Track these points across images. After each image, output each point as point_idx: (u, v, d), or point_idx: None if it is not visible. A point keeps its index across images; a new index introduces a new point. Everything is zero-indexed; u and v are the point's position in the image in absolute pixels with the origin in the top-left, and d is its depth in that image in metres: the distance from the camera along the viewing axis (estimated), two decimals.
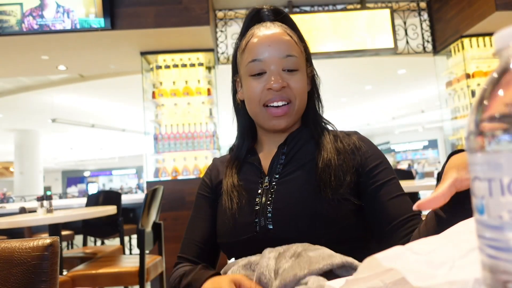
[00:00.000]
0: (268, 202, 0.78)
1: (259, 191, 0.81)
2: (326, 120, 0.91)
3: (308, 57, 0.88)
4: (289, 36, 0.82)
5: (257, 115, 0.83)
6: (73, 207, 4.42)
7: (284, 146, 0.85)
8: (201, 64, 4.20)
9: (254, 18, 0.88)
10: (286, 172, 0.81)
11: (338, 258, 0.57)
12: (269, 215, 0.76)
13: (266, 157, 0.87)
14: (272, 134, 0.87)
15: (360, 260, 0.66)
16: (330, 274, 0.56)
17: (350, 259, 0.57)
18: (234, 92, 0.92)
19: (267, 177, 0.82)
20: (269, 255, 0.64)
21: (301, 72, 0.82)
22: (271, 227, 0.75)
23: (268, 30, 0.82)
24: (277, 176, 0.82)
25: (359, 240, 0.78)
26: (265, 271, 0.60)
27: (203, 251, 0.87)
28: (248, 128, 0.91)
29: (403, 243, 0.65)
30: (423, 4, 4.58)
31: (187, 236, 0.90)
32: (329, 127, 0.90)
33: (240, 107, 0.90)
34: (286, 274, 0.56)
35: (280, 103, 0.79)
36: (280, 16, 0.87)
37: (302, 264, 0.57)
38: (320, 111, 0.90)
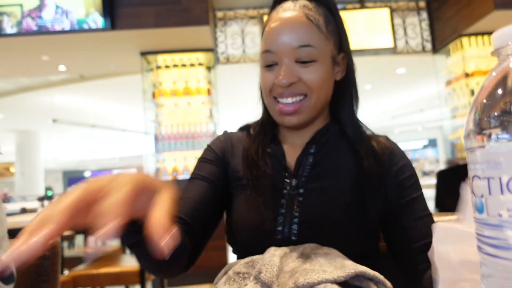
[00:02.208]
0: (296, 214, 0.70)
1: (284, 192, 0.72)
2: (361, 122, 0.80)
3: (342, 40, 0.76)
4: (309, 19, 0.70)
5: (269, 108, 0.76)
6: None
7: (312, 145, 0.75)
8: (201, 64, 4.20)
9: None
10: (315, 177, 0.72)
11: (351, 269, 0.55)
12: (294, 226, 0.69)
13: (290, 151, 0.77)
14: (294, 130, 0.78)
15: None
16: (342, 282, 0.55)
17: (363, 268, 0.55)
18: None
19: (294, 179, 0.73)
20: (274, 252, 0.61)
21: (320, 63, 0.70)
22: (294, 238, 0.68)
23: (285, 13, 0.71)
24: (304, 179, 0.73)
25: (377, 257, 0.74)
26: (267, 265, 0.57)
27: (197, 212, 0.73)
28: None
29: (423, 269, 0.65)
30: (422, 4, 4.57)
31: (181, 196, 0.76)
32: (361, 129, 0.79)
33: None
34: (299, 276, 0.53)
35: (290, 100, 0.71)
36: None
37: (316, 270, 0.55)
38: (355, 106, 0.79)
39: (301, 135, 0.78)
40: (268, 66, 0.73)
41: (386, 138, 0.80)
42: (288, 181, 0.73)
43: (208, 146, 0.84)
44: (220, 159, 0.81)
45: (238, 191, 0.77)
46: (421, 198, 0.73)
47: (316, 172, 0.73)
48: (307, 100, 0.71)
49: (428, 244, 0.65)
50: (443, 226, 0.37)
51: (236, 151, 0.81)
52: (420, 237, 0.68)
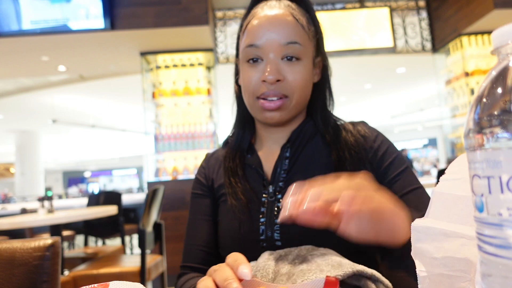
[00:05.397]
0: (276, 220, 0.70)
1: (263, 200, 0.73)
2: (335, 117, 0.81)
3: (319, 43, 0.77)
4: (294, 18, 0.71)
5: (251, 107, 0.75)
6: (74, 208, 4.42)
7: (287, 148, 0.76)
8: (200, 64, 4.21)
9: None
10: (290, 180, 0.73)
11: (349, 268, 0.55)
12: (276, 233, 0.69)
13: (267, 158, 0.79)
14: (272, 129, 0.79)
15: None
16: (340, 282, 0.55)
17: (361, 267, 0.55)
18: (236, 75, 0.83)
19: (270, 186, 0.74)
20: (269, 256, 0.60)
21: (304, 62, 0.72)
22: (280, 244, 0.69)
23: (271, 10, 0.72)
24: (281, 184, 0.73)
25: (373, 251, 0.72)
26: (261, 270, 0.56)
27: (209, 255, 0.77)
28: (248, 118, 0.81)
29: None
30: (421, 3, 4.57)
31: (188, 243, 0.80)
32: (338, 122, 0.81)
33: (240, 94, 0.81)
34: (296, 278, 0.52)
35: (274, 98, 0.71)
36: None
37: (313, 270, 0.55)
38: (330, 107, 0.81)
39: (277, 136, 0.79)
40: (252, 61, 0.72)
41: (362, 122, 0.81)
42: (265, 188, 0.74)
43: (196, 178, 0.87)
44: (208, 187, 0.83)
45: (222, 203, 0.79)
46: (407, 172, 0.71)
47: (291, 176, 0.74)
48: (287, 101, 0.72)
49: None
50: (420, 224, 0.37)
51: (218, 169, 0.83)
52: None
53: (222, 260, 0.75)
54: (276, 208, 0.71)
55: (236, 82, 0.83)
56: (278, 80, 0.70)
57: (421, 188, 0.71)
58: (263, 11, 0.72)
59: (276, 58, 0.70)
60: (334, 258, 0.57)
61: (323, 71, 0.79)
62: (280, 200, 0.72)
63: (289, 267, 0.57)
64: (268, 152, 0.80)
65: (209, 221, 0.80)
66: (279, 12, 0.71)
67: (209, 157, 0.88)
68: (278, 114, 0.72)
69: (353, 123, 0.80)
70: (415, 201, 0.68)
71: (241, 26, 0.78)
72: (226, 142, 0.88)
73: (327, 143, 0.76)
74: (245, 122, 0.82)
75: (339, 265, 0.55)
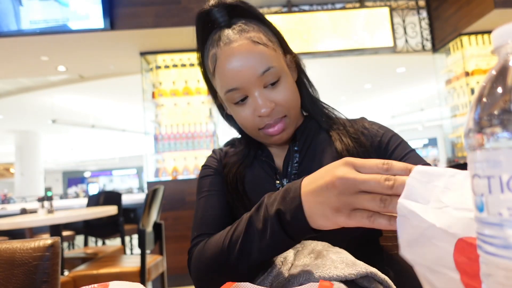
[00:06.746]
0: None
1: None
2: (324, 104, 0.84)
3: (282, 44, 0.76)
4: (258, 43, 0.69)
5: (256, 137, 0.78)
6: (74, 208, 4.42)
7: (295, 143, 0.79)
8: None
9: (207, 24, 0.74)
10: (303, 172, 0.75)
11: (363, 268, 0.55)
12: None
13: (278, 154, 0.81)
14: None
15: (370, 257, 0.64)
16: (350, 282, 0.55)
17: (374, 270, 0.55)
18: (219, 107, 0.84)
19: (285, 179, 0.76)
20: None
21: (283, 77, 0.72)
22: None
23: (231, 46, 0.69)
24: (293, 177, 0.76)
25: (375, 238, 0.75)
26: (282, 257, 0.58)
27: (226, 225, 0.75)
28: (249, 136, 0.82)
29: None
30: (421, 3, 4.57)
31: (202, 214, 0.76)
32: (333, 114, 0.84)
33: (232, 119, 0.83)
34: (311, 269, 0.54)
35: (275, 124, 0.73)
36: (235, 11, 0.73)
37: (328, 265, 0.55)
38: (314, 92, 0.83)
39: None
40: (240, 101, 0.72)
41: (363, 118, 0.84)
42: (278, 182, 0.76)
43: (205, 165, 0.86)
44: (219, 170, 0.83)
45: (235, 199, 0.79)
46: (412, 153, 0.73)
47: (303, 168, 0.76)
48: (288, 118, 0.74)
49: None
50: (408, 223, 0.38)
51: (229, 161, 0.84)
52: None
53: None
54: None
55: (220, 109, 0.85)
56: (272, 110, 0.71)
57: (430, 165, 0.72)
58: (223, 51, 0.70)
59: (259, 90, 0.70)
60: (349, 257, 0.58)
61: (298, 67, 0.80)
62: None
63: (305, 260, 0.58)
64: (278, 149, 0.82)
65: (224, 196, 0.79)
66: (241, 44, 0.69)
67: (217, 151, 0.89)
68: (285, 134, 0.75)
69: (353, 119, 0.83)
70: None
71: (204, 65, 0.77)
72: (232, 143, 0.90)
73: (330, 135, 0.79)
74: (249, 141, 0.83)
75: (353, 264, 0.55)
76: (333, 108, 0.84)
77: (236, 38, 0.69)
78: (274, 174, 0.78)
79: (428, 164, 0.70)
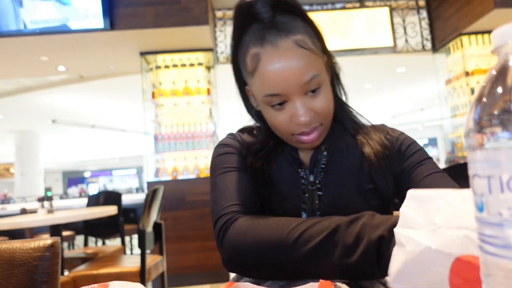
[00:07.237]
0: (317, 207, 0.73)
1: (303, 187, 0.75)
2: (351, 108, 0.83)
3: (322, 44, 0.72)
4: (303, 48, 0.66)
5: (287, 140, 0.76)
6: (74, 208, 4.42)
7: (324, 140, 0.77)
8: (200, 64, 4.20)
9: (248, 16, 0.69)
10: (331, 170, 0.75)
11: None
12: None
13: (302, 149, 0.80)
14: None
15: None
16: (351, 282, 0.54)
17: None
18: (244, 98, 0.81)
19: (311, 175, 0.75)
20: None
21: (324, 84, 0.70)
22: None
23: (277, 50, 0.65)
24: (321, 175, 0.75)
25: None
26: None
27: (256, 204, 0.73)
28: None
29: None
30: (422, 2, 4.57)
31: (233, 187, 0.73)
32: (358, 119, 0.83)
33: (256, 112, 0.81)
34: None
35: (310, 134, 0.71)
36: (279, 6, 0.68)
37: None
38: (344, 98, 0.82)
39: None
40: (278, 105, 0.70)
41: (383, 125, 0.84)
42: (305, 177, 0.76)
43: (224, 144, 0.82)
44: (241, 151, 0.80)
45: (260, 189, 0.77)
46: (428, 161, 0.73)
47: (331, 166, 0.76)
48: (323, 127, 0.72)
49: None
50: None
51: (251, 150, 0.80)
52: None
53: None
54: (317, 196, 0.74)
55: (245, 101, 0.82)
56: (312, 119, 0.70)
57: (443, 173, 0.71)
58: (269, 54, 0.66)
59: (301, 97, 0.68)
60: None
61: (333, 69, 0.78)
62: (321, 189, 0.75)
63: None
64: None
65: (250, 177, 0.76)
66: (286, 49, 0.65)
67: (237, 134, 0.85)
68: (317, 141, 0.73)
69: (376, 125, 0.84)
70: (435, 182, 0.68)
71: (236, 56, 0.74)
72: (250, 130, 0.86)
73: (356, 138, 0.79)
74: (272, 133, 0.79)
75: None
76: (357, 112, 0.84)
77: (281, 41, 0.66)
78: (298, 166, 0.77)
79: (443, 172, 0.71)
